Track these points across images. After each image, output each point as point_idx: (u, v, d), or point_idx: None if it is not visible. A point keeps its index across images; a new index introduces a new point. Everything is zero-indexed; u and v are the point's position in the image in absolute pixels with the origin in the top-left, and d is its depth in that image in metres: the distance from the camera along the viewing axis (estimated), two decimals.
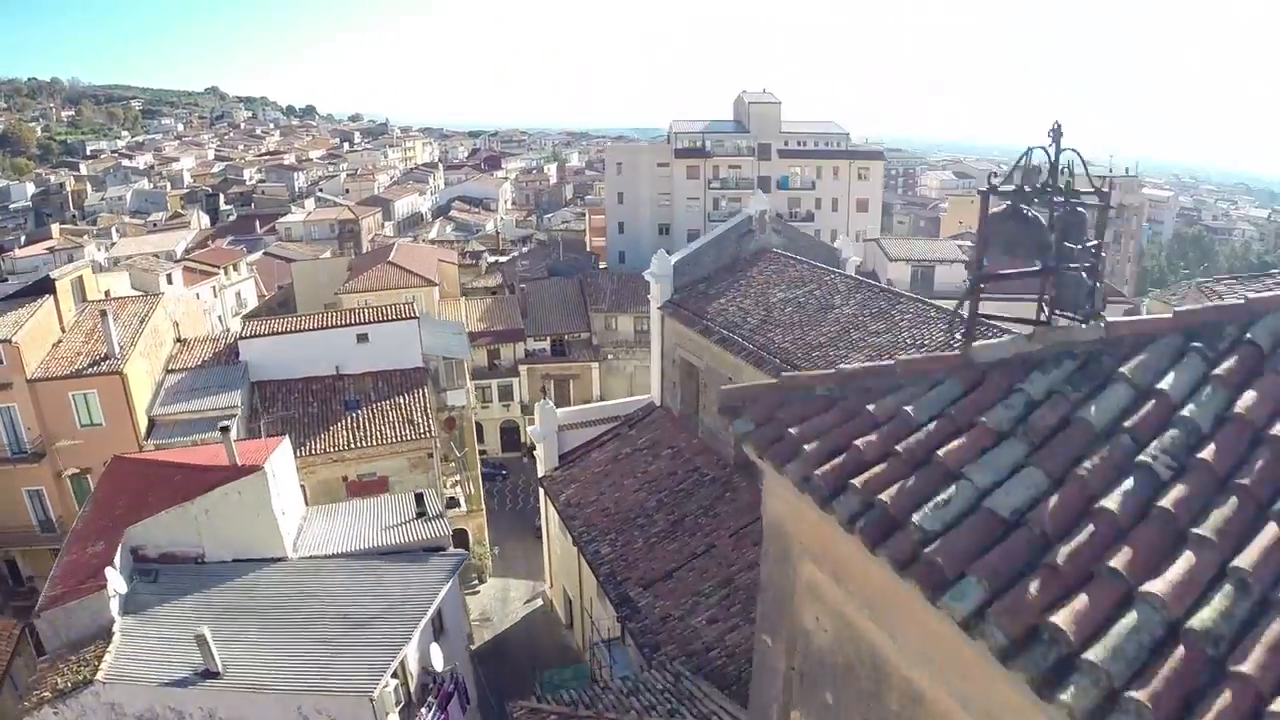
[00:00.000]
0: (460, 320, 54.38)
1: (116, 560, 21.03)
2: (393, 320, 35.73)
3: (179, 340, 37.02)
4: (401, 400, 34.81)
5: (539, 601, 40.65)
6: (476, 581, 40.67)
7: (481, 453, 47.18)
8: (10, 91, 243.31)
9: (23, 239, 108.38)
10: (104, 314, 31.61)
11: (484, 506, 41.18)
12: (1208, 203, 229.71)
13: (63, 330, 34.06)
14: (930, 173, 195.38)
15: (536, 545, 44.17)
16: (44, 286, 33.95)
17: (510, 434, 56.02)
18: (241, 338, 35.06)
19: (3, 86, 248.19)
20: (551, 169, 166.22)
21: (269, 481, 22.76)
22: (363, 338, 35.58)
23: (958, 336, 6.59)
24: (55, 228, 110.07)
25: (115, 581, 20.05)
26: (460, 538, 38.49)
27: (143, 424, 32.26)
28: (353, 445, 32.94)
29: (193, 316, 39.89)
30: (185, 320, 38.52)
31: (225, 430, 22.17)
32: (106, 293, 39.29)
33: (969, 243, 65.13)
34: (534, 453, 55.11)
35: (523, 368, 53.51)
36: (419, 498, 26.88)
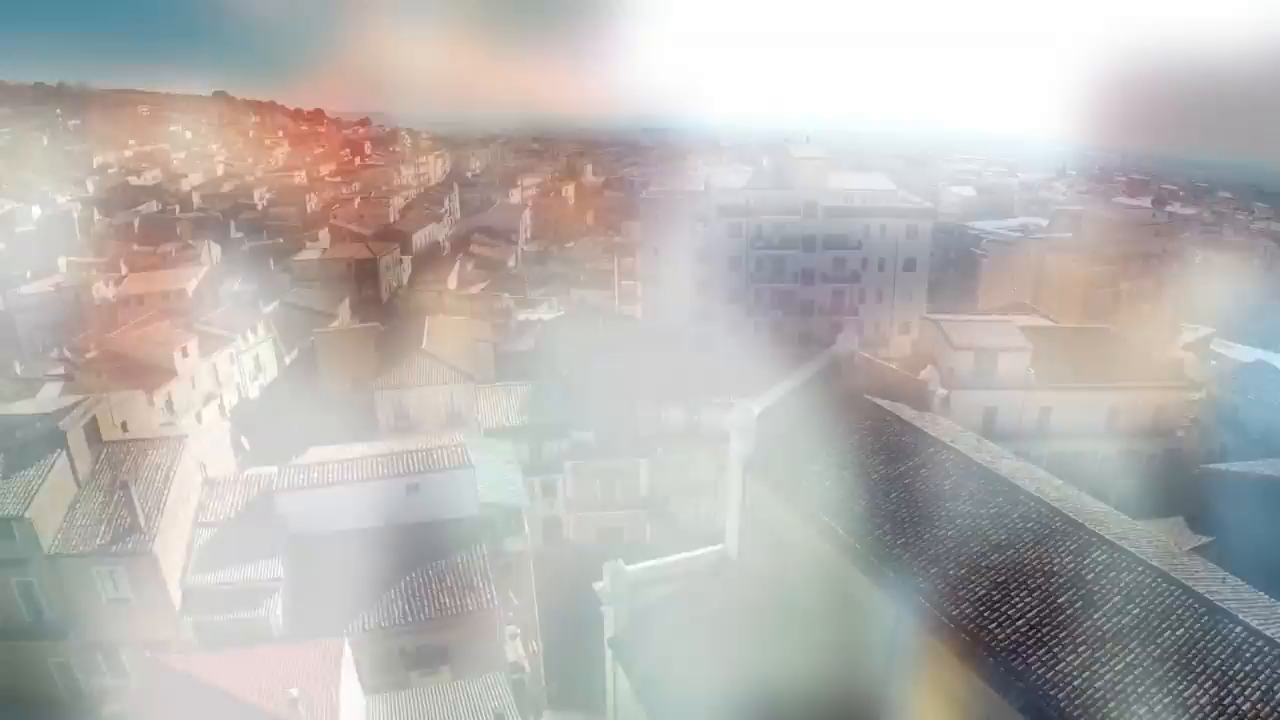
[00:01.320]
0: (503, 409, 51.38)
1: None
2: (446, 469, 32.49)
3: (207, 482, 33.77)
4: (459, 559, 31.68)
5: None
6: None
7: None
8: (17, 97, 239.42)
9: (29, 274, 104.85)
10: (126, 486, 28.21)
11: (540, 649, 38.20)
12: (1226, 214, 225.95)
13: (78, 485, 30.57)
14: (952, 188, 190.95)
15: (594, 663, 41.01)
16: (54, 439, 30.42)
17: (552, 526, 52.89)
18: (278, 491, 31.77)
19: (10, 91, 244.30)
20: (569, 189, 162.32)
21: None
22: (413, 488, 32.41)
23: None
24: (62, 260, 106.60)
25: None
26: (517, 685, 35.47)
27: (176, 596, 29.24)
28: (409, 618, 29.85)
29: (220, 451, 36.52)
30: (212, 455, 35.25)
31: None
32: (123, 424, 35.90)
33: (1036, 320, 61.69)
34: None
35: (567, 463, 50.33)
36: None
